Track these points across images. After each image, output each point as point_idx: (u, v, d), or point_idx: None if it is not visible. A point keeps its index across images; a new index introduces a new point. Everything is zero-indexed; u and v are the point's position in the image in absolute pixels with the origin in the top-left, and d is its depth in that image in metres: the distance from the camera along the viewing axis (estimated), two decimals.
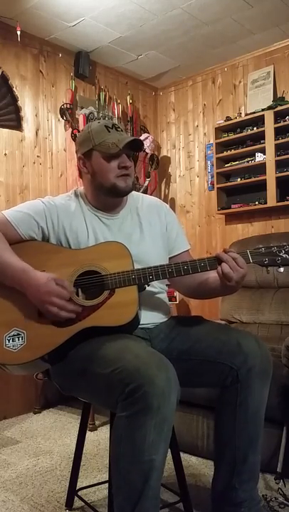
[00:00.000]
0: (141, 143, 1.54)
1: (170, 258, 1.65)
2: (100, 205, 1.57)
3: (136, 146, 1.52)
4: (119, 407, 1.20)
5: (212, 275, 1.52)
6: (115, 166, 1.49)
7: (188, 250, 1.70)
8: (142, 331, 1.50)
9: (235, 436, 1.42)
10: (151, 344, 1.50)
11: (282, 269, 1.39)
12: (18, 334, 1.37)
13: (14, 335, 1.36)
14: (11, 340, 1.36)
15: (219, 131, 3.61)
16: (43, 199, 1.57)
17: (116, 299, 1.39)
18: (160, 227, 1.64)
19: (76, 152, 1.59)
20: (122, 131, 1.53)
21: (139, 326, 1.45)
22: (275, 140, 3.27)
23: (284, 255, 1.39)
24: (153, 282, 1.48)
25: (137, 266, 1.42)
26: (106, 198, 1.55)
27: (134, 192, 1.67)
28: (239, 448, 1.42)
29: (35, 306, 1.36)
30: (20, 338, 1.36)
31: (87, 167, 1.54)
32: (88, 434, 2.42)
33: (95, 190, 1.56)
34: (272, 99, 3.42)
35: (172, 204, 4.14)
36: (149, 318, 1.54)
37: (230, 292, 1.47)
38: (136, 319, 1.38)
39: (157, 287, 1.60)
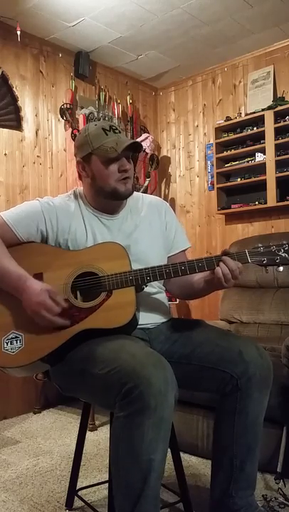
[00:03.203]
0: (139, 145, 1.52)
1: (169, 257, 1.65)
2: (100, 207, 1.57)
3: (135, 147, 1.51)
4: (117, 408, 1.20)
5: (200, 275, 1.52)
6: (115, 170, 1.48)
7: (186, 250, 1.70)
8: (141, 332, 1.50)
9: (234, 444, 1.42)
10: (151, 345, 1.50)
11: (281, 269, 1.38)
12: (16, 337, 1.37)
13: (12, 338, 1.37)
14: (9, 343, 1.36)
15: (219, 131, 3.61)
16: (42, 200, 1.55)
17: (113, 300, 1.38)
18: (160, 227, 1.64)
19: (75, 156, 1.57)
20: (119, 132, 1.50)
21: (139, 327, 1.44)
22: (275, 140, 3.27)
23: (283, 254, 1.37)
24: (152, 282, 1.47)
25: (136, 265, 1.42)
26: (106, 201, 1.54)
27: (134, 192, 1.67)
28: (237, 456, 1.42)
29: None
30: (18, 341, 1.36)
31: (86, 171, 1.53)
32: (88, 434, 2.42)
33: (95, 194, 1.55)
34: (272, 99, 3.42)
35: (172, 204, 4.14)
36: (149, 318, 1.54)
37: (218, 289, 1.48)
38: (134, 320, 1.38)
39: (156, 287, 1.59)
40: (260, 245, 1.39)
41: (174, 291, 1.70)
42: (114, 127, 1.50)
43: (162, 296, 1.64)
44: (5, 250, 1.43)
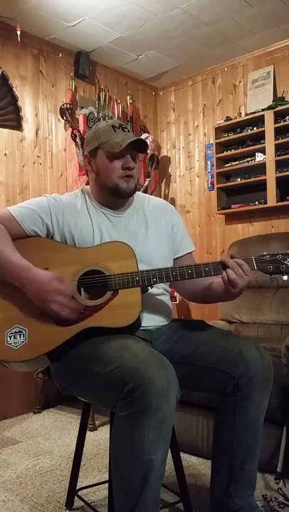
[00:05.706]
0: (145, 143, 1.53)
1: (175, 259, 1.65)
2: (106, 203, 1.58)
3: (140, 146, 1.52)
4: (118, 407, 1.20)
5: (216, 280, 1.51)
6: (119, 167, 1.50)
7: (191, 252, 1.70)
8: (143, 332, 1.50)
9: (234, 444, 1.42)
10: (152, 345, 1.50)
11: (285, 277, 1.41)
12: (20, 331, 1.36)
13: (16, 332, 1.36)
14: (12, 337, 1.36)
15: (219, 131, 3.61)
16: (49, 196, 1.57)
17: (119, 300, 1.38)
18: (166, 228, 1.65)
19: (83, 151, 1.60)
20: (128, 131, 1.52)
21: (140, 328, 1.44)
22: (275, 140, 3.27)
23: (288, 263, 1.39)
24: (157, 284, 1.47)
25: (141, 265, 1.42)
26: (110, 197, 1.56)
27: (139, 192, 1.68)
28: (237, 456, 1.42)
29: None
30: (21, 336, 1.36)
31: (92, 165, 1.55)
32: (88, 434, 2.42)
33: (99, 189, 1.56)
34: (272, 99, 3.42)
35: (172, 204, 4.12)
36: (151, 320, 1.54)
37: (232, 298, 1.46)
38: (138, 321, 1.38)
39: (161, 288, 1.59)
40: (265, 253, 1.42)
41: (183, 294, 1.70)
42: (123, 126, 1.53)
43: (166, 298, 1.63)
44: (10, 243, 1.43)
